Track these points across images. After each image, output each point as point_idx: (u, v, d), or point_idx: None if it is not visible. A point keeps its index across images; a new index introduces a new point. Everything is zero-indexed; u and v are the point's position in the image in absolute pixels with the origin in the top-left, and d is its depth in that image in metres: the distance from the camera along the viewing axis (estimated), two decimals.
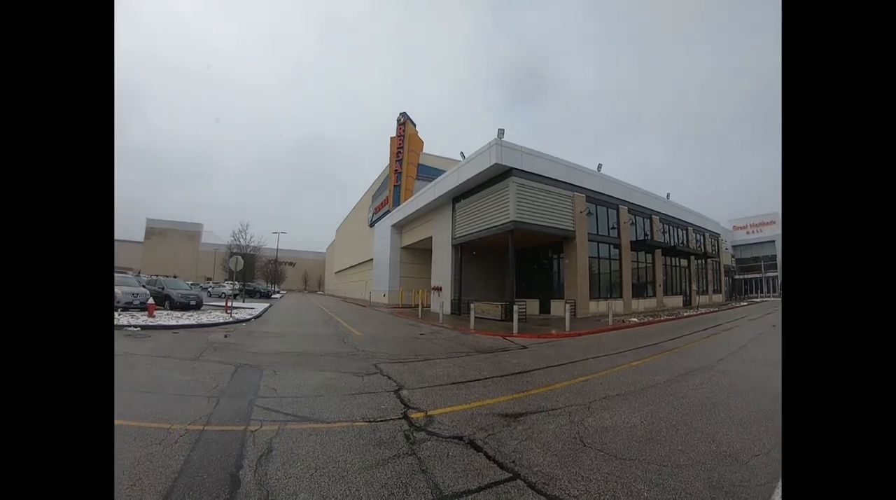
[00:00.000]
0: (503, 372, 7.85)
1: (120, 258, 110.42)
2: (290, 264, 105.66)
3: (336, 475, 3.45)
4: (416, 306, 27.37)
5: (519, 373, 7.79)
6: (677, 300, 31.50)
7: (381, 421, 4.84)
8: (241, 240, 40.17)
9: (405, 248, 36.79)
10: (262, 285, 56.64)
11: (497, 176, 20.46)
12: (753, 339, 13.04)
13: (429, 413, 5.15)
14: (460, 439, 4.28)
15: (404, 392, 6.15)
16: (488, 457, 3.82)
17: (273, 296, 48.90)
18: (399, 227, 36.76)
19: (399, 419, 4.95)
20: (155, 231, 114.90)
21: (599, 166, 25.02)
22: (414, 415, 5.08)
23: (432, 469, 3.54)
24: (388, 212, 40.92)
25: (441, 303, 22.13)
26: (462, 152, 24.05)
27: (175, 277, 39.32)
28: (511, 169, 19.50)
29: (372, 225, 47.63)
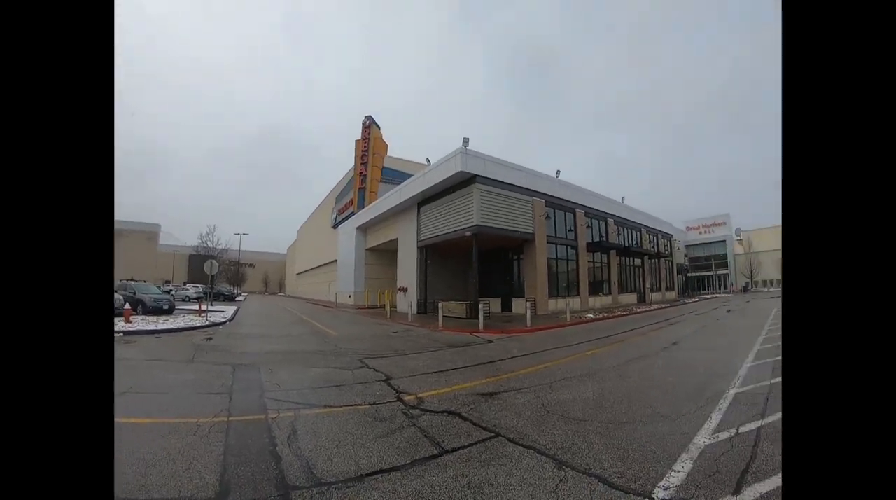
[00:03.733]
0: (475, 362, 8.90)
1: None
2: (251, 265, 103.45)
3: (357, 443, 4.26)
4: (383, 306, 28.19)
5: (489, 363, 8.86)
6: (631, 297, 33.55)
7: (380, 404, 5.72)
8: (209, 242, 39.81)
9: (370, 249, 37.44)
10: (225, 287, 55.92)
11: (462, 182, 21.55)
12: (696, 331, 14.57)
13: (419, 396, 6.10)
14: (449, 412, 5.26)
15: (393, 381, 7.06)
16: (473, 423, 4.83)
17: (237, 299, 48.50)
18: (364, 229, 37.40)
19: (394, 401, 5.86)
20: None
21: (558, 173, 26.57)
22: (406, 398, 6.00)
23: (432, 434, 4.50)
24: (352, 214, 41.40)
25: (409, 303, 23.05)
26: (428, 159, 25.04)
27: (143, 281, 38.76)
28: (475, 176, 20.63)
29: (336, 226, 47.95)
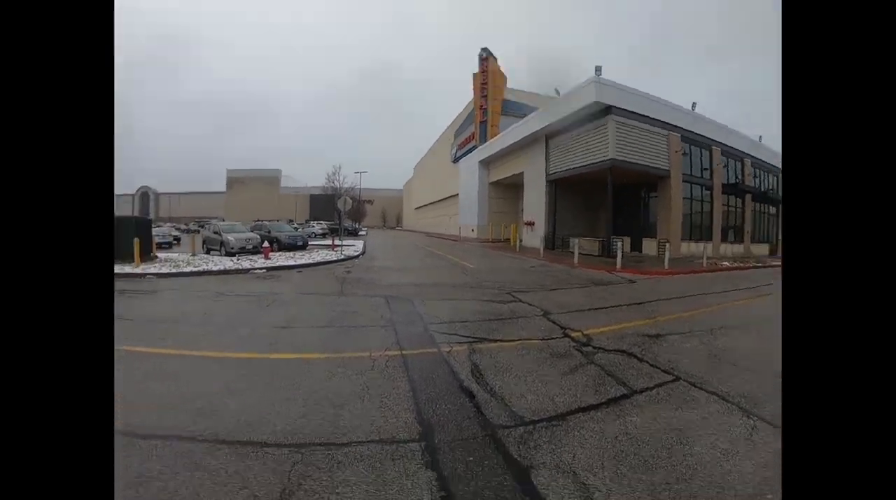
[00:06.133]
0: (626, 302, 9.21)
1: (203, 209, 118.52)
2: (369, 201, 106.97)
3: (544, 379, 4.40)
4: (507, 240, 28.74)
5: (639, 303, 9.12)
6: (763, 248, 30.53)
7: (550, 339, 5.99)
8: (336, 182, 42.49)
9: (493, 183, 37.85)
10: (348, 223, 58.45)
11: (595, 114, 20.87)
12: None
13: (584, 333, 6.37)
14: (622, 352, 5.55)
15: (552, 316, 7.43)
16: (651, 365, 5.11)
17: (359, 233, 51.48)
18: (487, 163, 37.69)
19: (562, 337, 6.15)
20: (236, 180, 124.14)
21: (694, 105, 24.47)
22: (573, 334, 6.31)
23: (615, 373, 4.77)
24: (473, 148, 41.73)
25: (541, 238, 23.36)
26: (557, 89, 24.43)
27: (274, 220, 42.03)
28: (609, 107, 19.93)
29: (456, 161, 48.70)
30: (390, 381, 4.25)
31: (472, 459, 2.92)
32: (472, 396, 3.95)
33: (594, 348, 5.69)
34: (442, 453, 2.97)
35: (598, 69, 19.80)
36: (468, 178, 41.31)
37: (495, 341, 5.84)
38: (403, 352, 5.18)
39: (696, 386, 4.55)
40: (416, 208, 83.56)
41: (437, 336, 5.93)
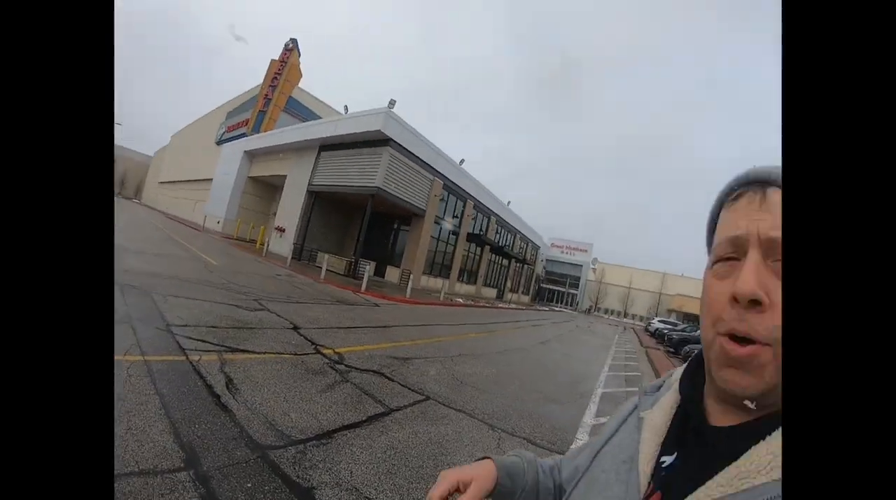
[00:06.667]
0: (371, 324, 9.38)
1: None
2: None
3: (304, 397, 4.24)
4: (254, 241, 27.15)
5: (384, 327, 9.43)
6: (492, 292, 36.54)
7: (303, 355, 5.72)
8: None
9: (253, 178, 35.50)
10: None
11: (374, 141, 21.50)
12: (557, 337, 17.03)
13: (336, 350, 6.29)
14: (374, 371, 5.64)
15: (302, 331, 7.10)
16: (402, 385, 5.33)
17: None
18: (252, 154, 35.17)
19: (314, 353, 5.91)
20: None
21: (462, 161, 27.60)
22: (325, 351, 6.14)
23: (371, 392, 4.82)
24: (244, 135, 38.83)
25: (290, 246, 22.61)
26: (346, 106, 24.56)
27: None
28: (390, 139, 20.74)
29: (220, 143, 44.55)
30: (136, 394, 3.52)
31: (250, 485, 2.65)
32: (231, 413, 3.55)
33: (347, 366, 5.62)
34: (216, 481, 2.60)
35: (391, 102, 20.42)
36: (228, 165, 37.56)
37: (247, 352, 5.35)
38: (146, 358, 4.37)
39: (445, 405, 4.96)
40: (161, 183, 72.89)
41: (182, 341, 5.18)
